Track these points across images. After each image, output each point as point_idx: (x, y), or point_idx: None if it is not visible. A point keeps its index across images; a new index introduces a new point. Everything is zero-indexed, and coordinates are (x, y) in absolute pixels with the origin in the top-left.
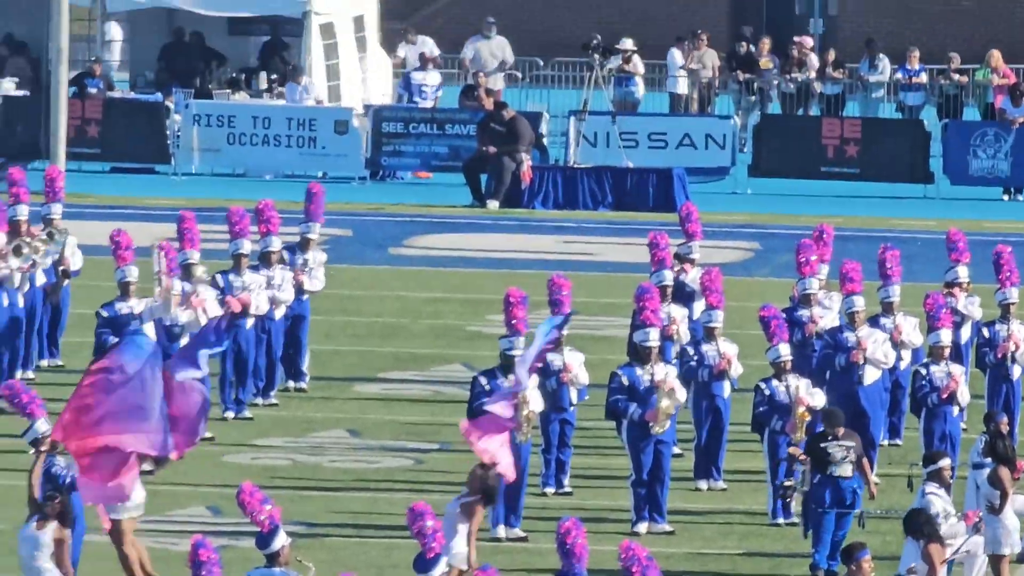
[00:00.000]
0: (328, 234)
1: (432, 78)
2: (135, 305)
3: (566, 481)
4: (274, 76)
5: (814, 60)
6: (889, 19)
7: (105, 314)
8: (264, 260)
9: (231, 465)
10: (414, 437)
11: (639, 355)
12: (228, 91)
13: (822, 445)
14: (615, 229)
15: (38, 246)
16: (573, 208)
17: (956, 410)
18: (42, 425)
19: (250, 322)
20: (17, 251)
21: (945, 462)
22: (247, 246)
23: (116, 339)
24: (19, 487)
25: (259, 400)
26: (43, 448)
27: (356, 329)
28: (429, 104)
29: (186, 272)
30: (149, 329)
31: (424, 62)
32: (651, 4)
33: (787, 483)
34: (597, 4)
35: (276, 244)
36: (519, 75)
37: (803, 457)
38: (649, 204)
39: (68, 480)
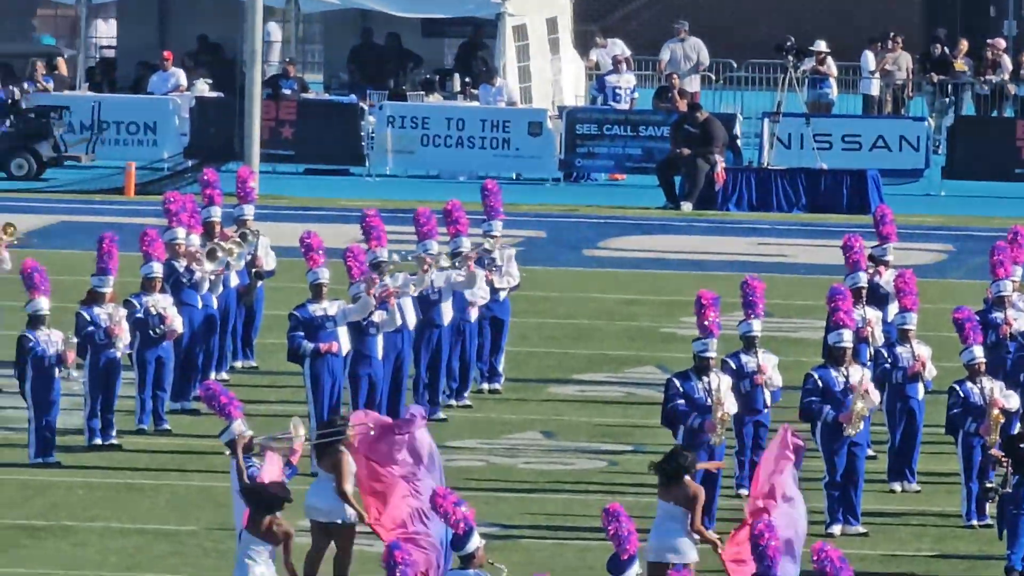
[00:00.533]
0: (522, 235)
1: (627, 80)
2: (328, 307)
3: None
4: (467, 78)
5: (1007, 62)
6: None
7: (299, 316)
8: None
9: None
10: (608, 439)
11: (833, 357)
12: (422, 93)
13: (1022, 446)
14: (809, 231)
15: (232, 248)
16: (767, 210)
17: None
18: (239, 426)
19: (447, 319)
20: (211, 255)
21: None
22: (435, 247)
23: (310, 342)
24: (213, 488)
25: (453, 402)
26: (239, 449)
27: (550, 330)
28: (625, 106)
29: (375, 270)
30: (343, 333)
31: (616, 64)
32: (845, 6)
33: (989, 485)
34: (791, 6)
35: (466, 244)
36: (712, 77)
37: (1004, 459)
38: (843, 206)
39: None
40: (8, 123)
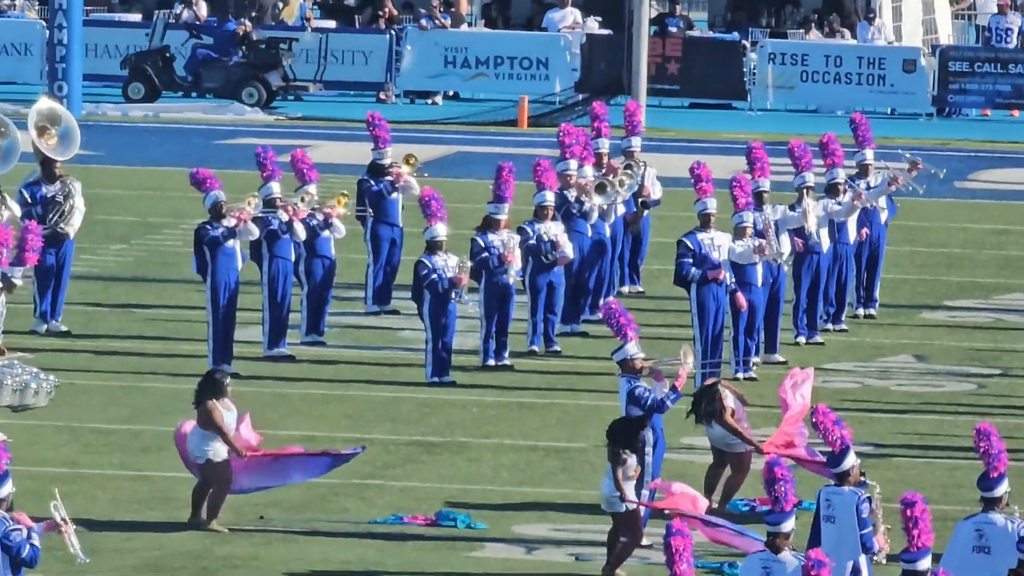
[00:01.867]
0: (899, 167)
1: (1011, 21)
2: (715, 236)
3: None
4: (839, 16)
5: None
6: None
7: (688, 243)
8: (831, 191)
9: None
10: (977, 362)
11: None
12: (801, 31)
13: None
14: None
15: (623, 179)
16: None
17: None
18: (632, 347)
19: (825, 246)
20: (600, 189)
21: None
22: (811, 178)
23: (698, 269)
24: (601, 407)
25: (830, 326)
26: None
27: (923, 259)
28: (1011, 45)
29: (757, 200)
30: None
31: (1000, 7)
32: None
33: None
34: None
35: (841, 175)
36: None
37: None
38: None
39: (649, 401)
40: (240, 54)
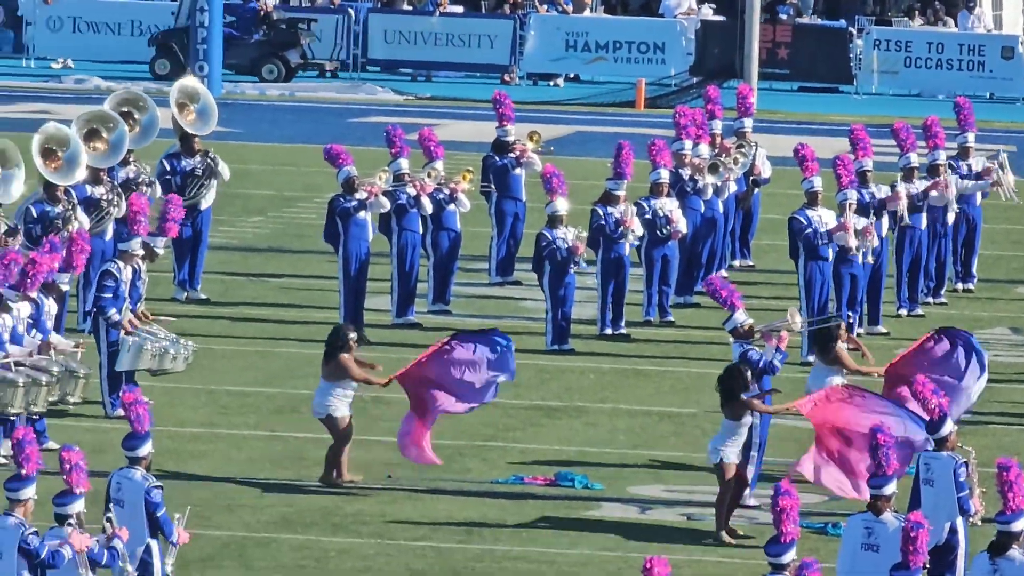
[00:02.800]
0: (994, 149)
1: None
2: (822, 214)
3: None
4: (940, 5)
5: None
6: None
7: (801, 219)
8: (932, 171)
9: None
10: None
11: None
12: (905, 18)
13: None
14: None
15: (737, 158)
16: None
17: None
18: (741, 315)
19: (923, 223)
20: (713, 169)
21: None
22: (915, 159)
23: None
24: (712, 374)
25: (930, 299)
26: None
27: (1018, 236)
28: None
29: (862, 179)
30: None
31: None
32: None
33: None
34: None
35: (942, 157)
36: None
37: None
38: None
39: (761, 363)
40: (261, 32)
